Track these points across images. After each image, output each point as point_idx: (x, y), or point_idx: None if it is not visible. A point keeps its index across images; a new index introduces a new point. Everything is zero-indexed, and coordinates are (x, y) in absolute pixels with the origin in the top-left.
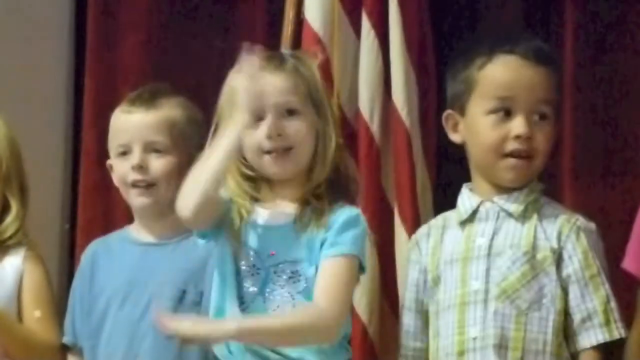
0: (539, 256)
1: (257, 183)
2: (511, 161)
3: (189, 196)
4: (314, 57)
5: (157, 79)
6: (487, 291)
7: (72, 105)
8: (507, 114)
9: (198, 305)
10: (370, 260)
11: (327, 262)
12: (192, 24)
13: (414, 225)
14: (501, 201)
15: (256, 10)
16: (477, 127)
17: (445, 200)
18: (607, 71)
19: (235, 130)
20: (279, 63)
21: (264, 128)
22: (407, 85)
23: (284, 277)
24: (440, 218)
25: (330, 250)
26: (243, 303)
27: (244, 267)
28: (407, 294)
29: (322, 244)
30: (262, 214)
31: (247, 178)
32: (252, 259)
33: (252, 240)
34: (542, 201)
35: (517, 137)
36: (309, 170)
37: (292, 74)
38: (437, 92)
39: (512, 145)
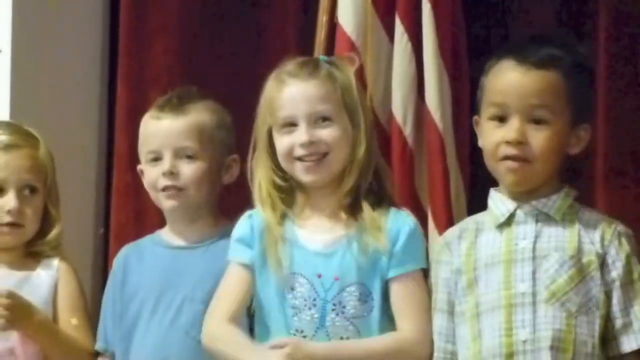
0: (585, 260)
1: (292, 194)
2: (507, 163)
3: None
4: (351, 62)
5: (188, 82)
6: (534, 294)
7: (104, 109)
8: (502, 119)
9: None
10: None
11: (401, 283)
12: (223, 28)
13: (447, 228)
14: (539, 204)
15: (288, 14)
16: (482, 132)
17: (479, 204)
18: None
19: None
20: (312, 70)
21: (297, 135)
22: (440, 88)
23: (352, 301)
24: (470, 221)
25: (401, 268)
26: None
27: (294, 300)
28: (439, 296)
29: (389, 258)
30: (309, 239)
31: (281, 189)
32: (305, 288)
33: (306, 267)
34: (577, 206)
35: (508, 142)
36: (342, 177)
37: (326, 80)
38: (470, 96)
39: (503, 151)
